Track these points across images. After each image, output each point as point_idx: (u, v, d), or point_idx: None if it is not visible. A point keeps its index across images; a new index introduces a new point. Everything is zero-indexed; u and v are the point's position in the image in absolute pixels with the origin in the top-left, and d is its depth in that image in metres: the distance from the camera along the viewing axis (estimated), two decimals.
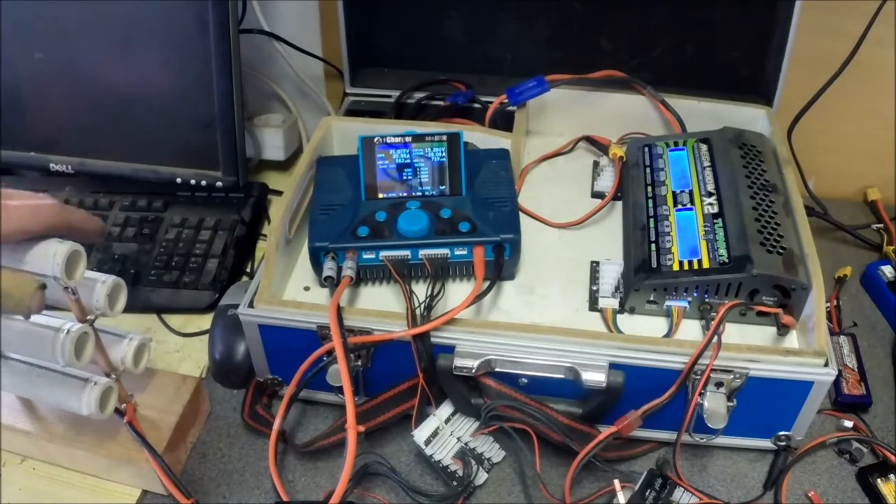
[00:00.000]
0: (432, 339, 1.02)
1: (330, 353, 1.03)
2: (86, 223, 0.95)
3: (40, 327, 0.95)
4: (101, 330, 1.01)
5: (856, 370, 1.18)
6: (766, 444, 1.09)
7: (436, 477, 1.08)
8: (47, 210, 0.89)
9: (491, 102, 1.39)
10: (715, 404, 1.00)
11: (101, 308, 0.96)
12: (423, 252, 1.13)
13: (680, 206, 1.16)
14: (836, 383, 1.15)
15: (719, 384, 1.00)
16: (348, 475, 0.94)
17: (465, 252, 1.13)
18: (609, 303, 1.13)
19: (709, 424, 1.00)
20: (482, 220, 1.14)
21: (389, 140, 1.18)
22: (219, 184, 1.44)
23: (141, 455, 1.04)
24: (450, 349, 1.02)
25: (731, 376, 0.99)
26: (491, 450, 1.09)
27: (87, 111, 1.47)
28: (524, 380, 1.03)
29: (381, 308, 1.07)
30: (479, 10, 1.44)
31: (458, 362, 1.01)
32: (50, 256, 0.87)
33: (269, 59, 1.61)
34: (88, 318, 0.96)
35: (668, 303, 1.10)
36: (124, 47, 1.39)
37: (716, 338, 0.98)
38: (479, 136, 1.30)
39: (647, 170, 1.24)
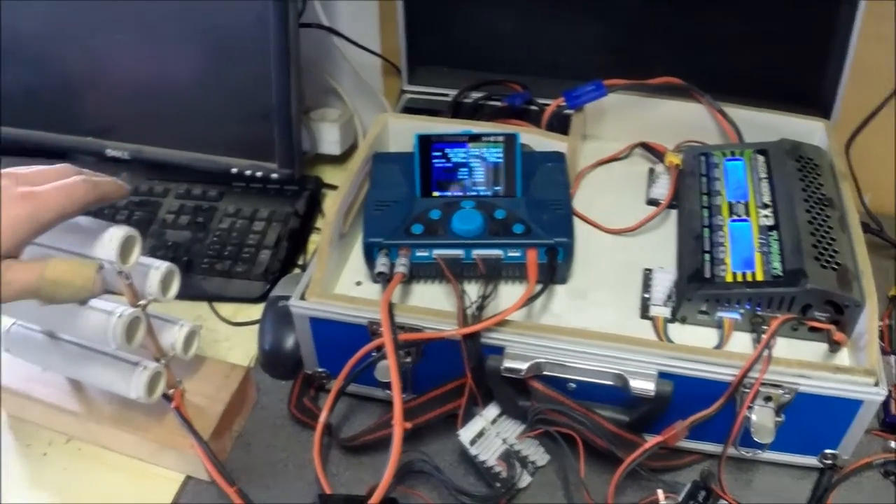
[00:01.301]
0: (482, 340, 1.02)
1: (379, 348, 1.04)
2: (115, 192, 0.95)
3: (93, 310, 0.96)
4: (153, 315, 1.02)
5: None
6: (812, 461, 1.07)
7: (479, 477, 1.08)
8: (80, 190, 0.88)
9: (548, 105, 1.38)
10: (763, 418, 0.99)
11: (153, 293, 0.96)
12: (476, 252, 1.13)
13: (735, 217, 1.16)
14: (885, 403, 1.13)
15: (768, 398, 0.99)
16: (393, 471, 0.94)
17: (518, 254, 1.12)
18: (660, 311, 1.13)
19: (756, 439, 0.99)
20: (536, 223, 1.13)
21: (446, 139, 1.18)
22: (274, 175, 1.45)
23: (186, 441, 1.05)
24: (499, 350, 1.02)
25: (781, 391, 0.98)
26: (535, 453, 1.08)
27: (145, 99, 1.48)
28: (572, 385, 1.02)
29: (431, 306, 1.08)
30: (538, 11, 1.44)
31: (508, 364, 1.01)
32: (106, 240, 0.88)
33: (327, 55, 1.61)
34: (141, 302, 0.97)
35: (719, 314, 1.09)
36: (185, 37, 1.40)
37: (766, 351, 0.97)
38: (535, 139, 1.30)
39: (704, 179, 1.23)
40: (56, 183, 0.87)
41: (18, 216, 0.82)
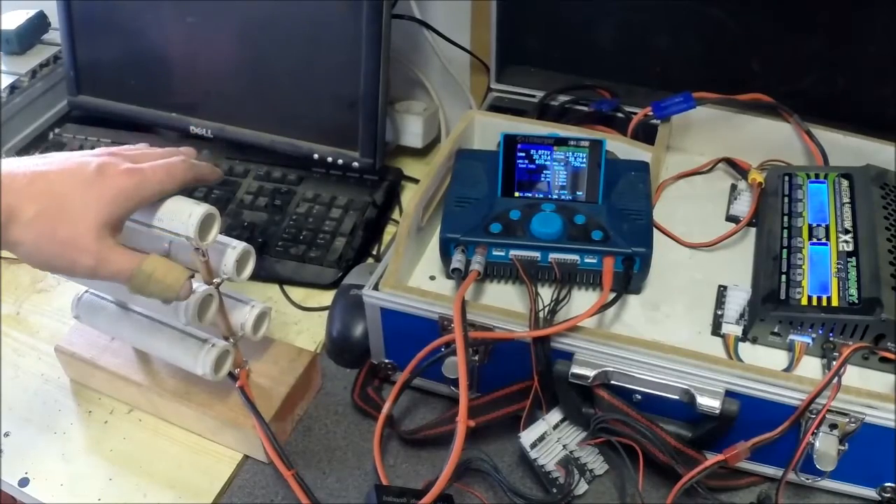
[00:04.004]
0: (552, 344, 1.02)
1: (449, 344, 1.04)
2: (210, 174, 1.00)
3: None
4: (226, 294, 1.03)
5: None
6: (871, 493, 1.05)
7: (536, 481, 1.08)
8: (181, 169, 0.93)
9: (635, 113, 1.38)
10: (826, 446, 0.98)
11: (228, 273, 0.98)
12: (553, 256, 1.13)
13: (815, 240, 1.14)
14: None
15: (833, 426, 0.98)
16: (453, 468, 0.94)
17: (594, 261, 1.12)
18: (732, 329, 1.12)
19: (818, 466, 0.98)
20: (616, 231, 1.13)
21: (532, 140, 1.18)
22: (355, 164, 1.45)
23: (248, 421, 1.06)
24: (568, 356, 1.02)
25: (847, 419, 0.97)
26: (595, 461, 1.08)
27: (232, 79, 1.50)
28: (638, 396, 1.02)
29: (503, 306, 1.08)
30: (632, 19, 1.43)
31: (576, 370, 1.01)
32: (185, 217, 0.90)
33: (417, 47, 1.62)
34: (215, 281, 0.98)
35: (791, 337, 1.08)
36: (278, 21, 1.42)
37: (836, 379, 0.96)
38: (620, 146, 1.29)
39: (786, 199, 1.22)
40: (158, 161, 0.91)
41: (124, 189, 0.86)
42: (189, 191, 1.42)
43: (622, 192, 1.19)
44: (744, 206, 1.30)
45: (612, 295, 1.09)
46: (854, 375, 1.06)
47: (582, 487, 1.06)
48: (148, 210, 0.91)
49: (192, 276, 0.89)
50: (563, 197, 1.18)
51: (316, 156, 1.47)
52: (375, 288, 1.10)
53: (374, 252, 1.43)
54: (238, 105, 1.51)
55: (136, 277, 0.87)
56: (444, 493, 0.96)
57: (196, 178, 0.96)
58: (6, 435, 1.15)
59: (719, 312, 1.15)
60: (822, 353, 1.08)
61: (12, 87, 1.61)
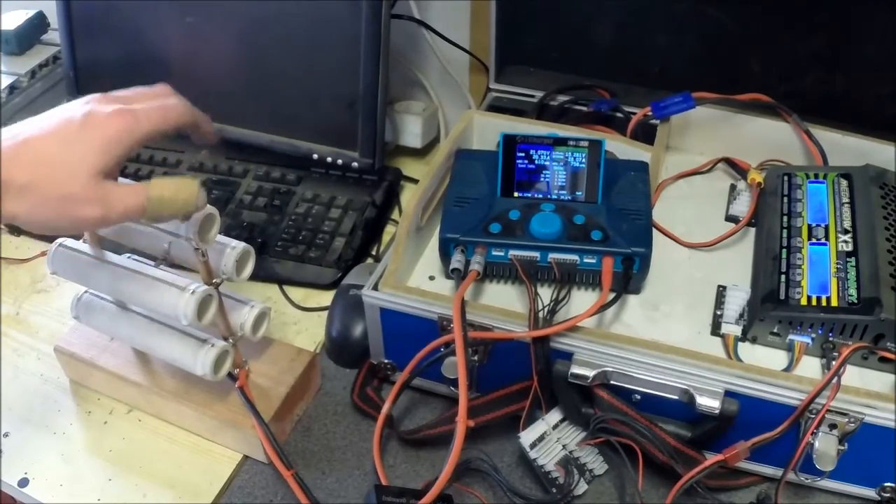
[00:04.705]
0: (552, 344, 1.02)
1: (448, 344, 1.04)
2: (206, 123, 0.97)
3: (166, 285, 0.98)
4: (225, 294, 1.03)
5: None
6: (870, 493, 1.05)
7: (535, 481, 1.08)
8: (178, 111, 0.90)
9: (634, 113, 1.38)
10: (826, 446, 0.98)
11: (228, 273, 0.98)
12: (552, 256, 1.13)
13: (814, 240, 1.14)
14: None
15: (833, 426, 0.98)
16: (452, 468, 0.94)
17: (594, 261, 1.12)
18: (731, 329, 1.12)
19: (817, 466, 0.98)
20: (615, 231, 1.13)
21: (531, 140, 1.18)
22: (354, 164, 1.46)
23: (247, 421, 1.06)
24: (568, 356, 1.02)
25: (846, 419, 0.97)
26: (594, 461, 1.08)
27: (231, 79, 1.50)
28: (637, 396, 1.02)
29: (502, 306, 1.08)
30: (631, 19, 1.43)
31: (575, 370, 1.01)
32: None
33: (416, 47, 1.62)
34: (215, 281, 0.98)
35: (791, 337, 1.08)
36: (275, 21, 1.42)
37: (836, 378, 0.96)
38: (619, 146, 1.29)
39: (785, 199, 1.22)
40: (153, 103, 0.88)
41: (114, 134, 0.83)
42: None
43: (622, 192, 1.19)
44: (743, 206, 1.30)
45: (612, 295, 1.09)
46: (854, 375, 1.06)
47: (581, 487, 1.06)
48: None
49: (204, 183, 0.87)
50: (562, 197, 1.18)
51: (315, 156, 1.47)
52: (375, 288, 1.10)
53: (374, 252, 1.43)
54: (237, 105, 1.51)
55: (149, 207, 0.84)
56: (443, 493, 0.96)
57: (193, 123, 0.93)
58: (6, 435, 1.15)
59: (719, 312, 1.15)
60: (822, 353, 1.08)
61: (12, 88, 1.61)
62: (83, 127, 0.83)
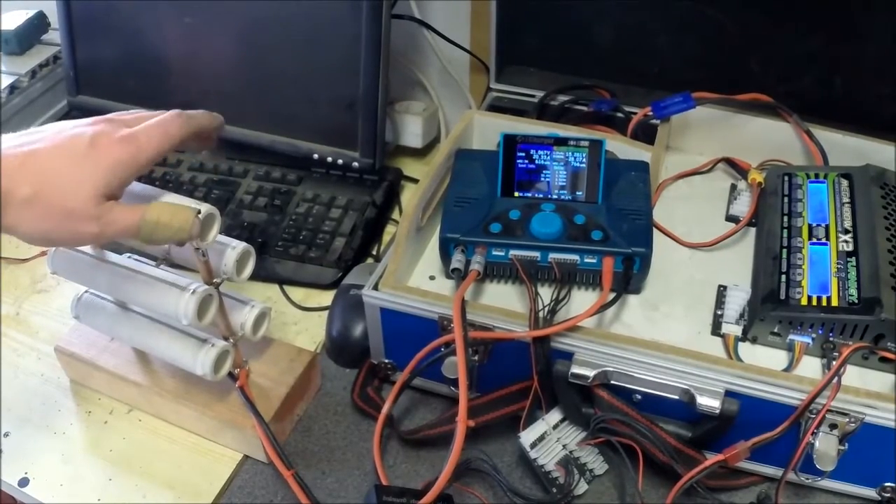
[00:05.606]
0: (552, 344, 1.02)
1: (448, 344, 1.04)
2: (209, 122, 0.97)
3: (166, 284, 0.98)
4: (225, 294, 1.03)
5: None
6: (870, 493, 1.05)
7: (535, 481, 1.08)
8: (176, 125, 0.91)
9: (634, 113, 1.38)
10: (826, 446, 0.98)
11: (228, 273, 0.98)
12: (552, 256, 1.13)
13: (815, 240, 1.14)
14: None
15: (833, 426, 0.98)
16: (452, 467, 0.94)
17: (594, 261, 1.12)
18: (732, 329, 1.12)
19: (817, 466, 0.97)
20: (615, 231, 1.13)
21: (532, 140, 1.18)
22: (355, 164, 1.45)
23: (247, 421, 1.06)
24: (568, 356, 1.02)
25: (847, 419, 0.97)
26: (594, 461, 1.08)
27: (231, 79, 1.50)
28: (638, 396, 1.02)
29: (503, 306, 1.08)
30: (631, 19, 1.43)
31: (575, 370, 1.00)
32: None
33: (416, 47, 1.63)
34: (215, 280, 0.98)
35: (791, 337, 1.08)
36: (275, 21, 1.42)
37: (836, 378, 0.95)
38: (619, 146, 1.30)
39: (786, 199, 1.22)
40: (151, 121, 0.89)
41: (120, 159, 0.85)
42: (191, 190, 1.43)
43: (622, 192, 1.19)
44: (743, 206, 1.30)
45: (612, 295, 1.09)
46: (854, 375, 1.06)
47: (582, 487, 1.06)
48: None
49: (199, 213, 0.88)
50: (562, 197, 1.18)
51: (316, 156, 1.47)
52: (375, 288, 1.10)
53: (374, 252, 1.43)
54: (238, 105, 1.50)
55: (143, 229, 0.86)
56: (443, 493, 0.96)
57: (196, 130, 0.94)
58: (6, 435, 1.15)
59: (719, 312, 1.15)
60: (822, 352, 1.08)
61: (12, 88, 1.61)
62: (93, 146, 0.84)
